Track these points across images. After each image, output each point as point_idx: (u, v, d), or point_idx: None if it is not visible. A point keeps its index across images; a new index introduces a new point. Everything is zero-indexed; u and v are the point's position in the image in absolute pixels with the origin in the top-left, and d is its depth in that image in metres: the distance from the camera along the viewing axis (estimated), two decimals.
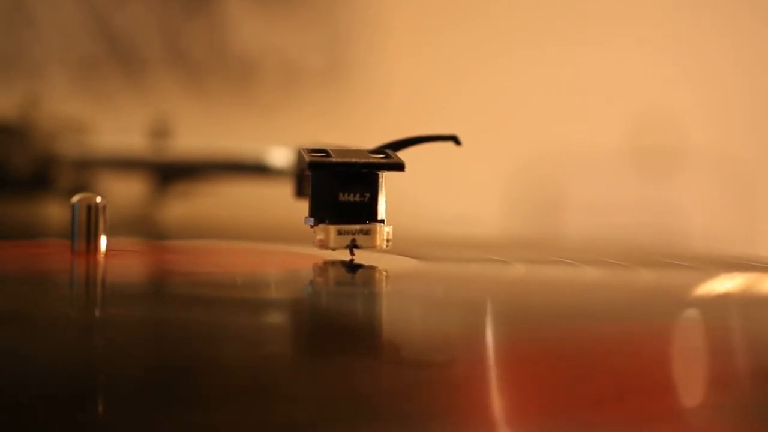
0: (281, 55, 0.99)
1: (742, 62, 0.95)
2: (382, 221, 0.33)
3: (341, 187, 0.32)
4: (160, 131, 0.62)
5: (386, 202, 0.33)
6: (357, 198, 0.32)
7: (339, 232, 0.32)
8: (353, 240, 0.32)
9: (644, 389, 0.20)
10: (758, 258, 0.41)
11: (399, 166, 0.32)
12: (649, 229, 0.90)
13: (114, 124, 0.69)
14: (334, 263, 0.34)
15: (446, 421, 0.18)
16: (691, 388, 0.21)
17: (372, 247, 0.32)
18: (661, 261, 0.41)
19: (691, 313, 0.28)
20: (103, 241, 0.33)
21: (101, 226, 0.33)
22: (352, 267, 0.33)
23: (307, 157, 0.32)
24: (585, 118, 0.94)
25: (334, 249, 0.32)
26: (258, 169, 0.60)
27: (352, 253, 0.33)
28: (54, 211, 0.60)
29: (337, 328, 0.25)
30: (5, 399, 0.18)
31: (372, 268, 0.34)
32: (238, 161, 0.61)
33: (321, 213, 0.32)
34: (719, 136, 0.95)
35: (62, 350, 0.22)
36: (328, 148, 0.32)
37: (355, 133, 0.48)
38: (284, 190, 0.44)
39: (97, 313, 0.27)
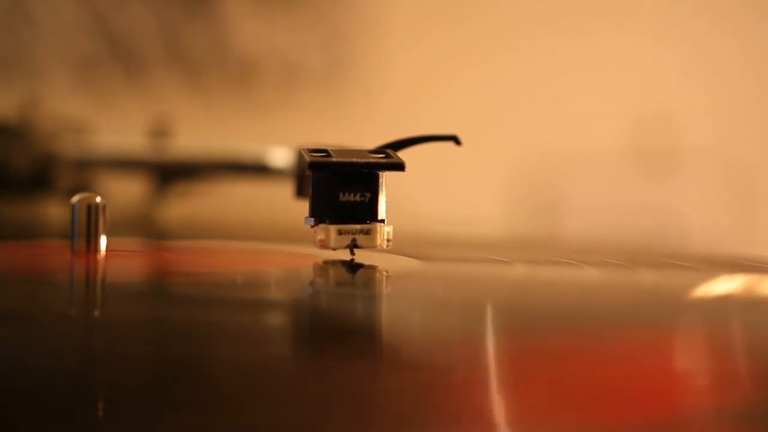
0: (281, 55, 0.99)
1: (743, 62, 0.95)
2: (383, 221, 0.33)
3: (341, 187, 0.32)
4: (160, 131, 0.62)
5: (386, 202, 0.33)
6: (357, 198, 0.32)
7: (339, 232, 0.32)
8: (353, 240, 0.32)
9: (645, 390, 0.20)
10: (758, 258, 0.41)
11: (399, 166, 0.32)
12: (650, 230, 0.90)
13: (114, 124, 0.69)
14: (334, 263, 0.34)
15: (446, 423, 0.18)
16: (692, 389, 0.21)
17: (372, 247, 0.32)
18: (662, 261, 0.41)
19: (692, 314, 0.28)
20: (103, 241, 0.33)
21: (101, 226, 0.33)
22: (352, 267, 0.33)
23: (307, 157, 0.32)
24: (586, 118, 0.94)
25: (334, 249, 0.32)
26: (258, 169, 0.60)
27: (352, 253, 0.33)
28: (54, 211, 0.60)
29: (338, 328, 0.25)
30: (5, 399, 0.18)
31: (372, 268, 0.34)
32: (238, 161, 0.61)
33: (321, 213, 0.32)
34: (719, 136, 0.95)
35: (62, 350, 0.22)
36: (328, 148, 0.32)
37: (355, 133, 0.48)
38: (284, 190, 0.44)
39: (97, 313, 0.27)
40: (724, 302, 0.31)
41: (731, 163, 0.94)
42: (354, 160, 0.32)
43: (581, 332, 0.25)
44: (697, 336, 0.25)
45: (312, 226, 0.32)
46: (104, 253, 0.33)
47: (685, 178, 0.93)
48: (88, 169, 0.63)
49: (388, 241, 0.33)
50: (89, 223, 0.33)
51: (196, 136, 0.64)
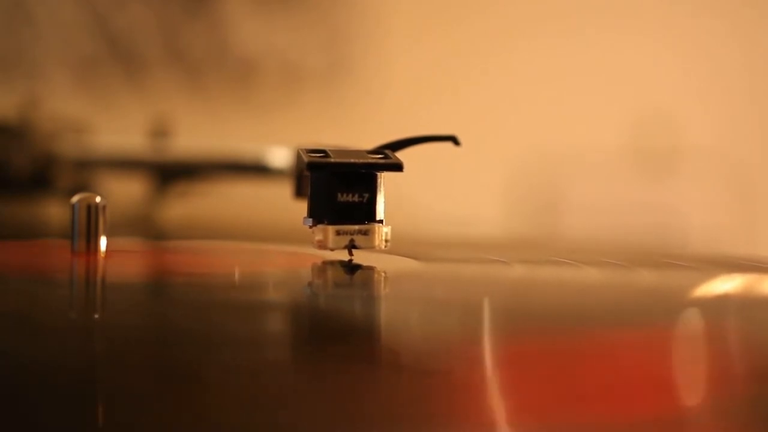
0: (281, 55, 0.99)
1: (743, 62, 0.95)
2: (381, 221, 0.33)
3: (340, 188, 0.32)
4: (160, 131, 0.62)
5: (385, 202, 0.33)
6: (356, 198, 0.32)
7: (338, 233, 0.32)
8: (352, 240, 0.32)
9: (645, 390, 0.20)
10: (758, 258, 0.41)
11: (398, 167, 0.32)
12: (650, 230, 0.90)
13: (114, 124, 0.69)
14: (332, 264, 0.34)
15: (446, 423, 0.18)
16: (691, 388, 0.21)
17: (371, 247, 0.32)
18: (661, 261, 0.41)
19: (691, 313, 0.28)
20: (103, 241, 0.33)
21: (101, 226, 0.33)
22: (350, 267, 0.33)
23: (306, 158, 0.32)
24: (586, 118, 0.94)
25: (332, 249, 0.32)
26: (257, 169, 0.60)
27: (350, 254, 0.33)
28: (54, 211, 0.60)
29: (336, 329, 0.25)
30: (5, 399, 0.18)
31: (371, 268, 0.34)
32: (238, 161, 0.61)
33: (320, 213, 0.32)
34: (719, 136, 0.95)
35: (62, 351, 0.22)
36: (327, 148, 0.33)
37: (355, 133, 0.48)
38: (283, 191, 0.44)
39: (97, 313, 0.27)
40: (724, 302, 0.31)
41: (731, 163, 0.94)
42: (352, 160, 0.32)
43: (581, 332, 0.25)
44: (697, 336, 0.25)
45: (310, 227, 0.32)
46: (104, 253, 0.33)
47: (685, 178, 0.93)
48: (88, 169, 0.63)
49: (386, 241, 0.33)
50: (89, 223, 0.33)
51: (196, 136, 0.64)
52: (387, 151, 0.33)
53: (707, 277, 0.36)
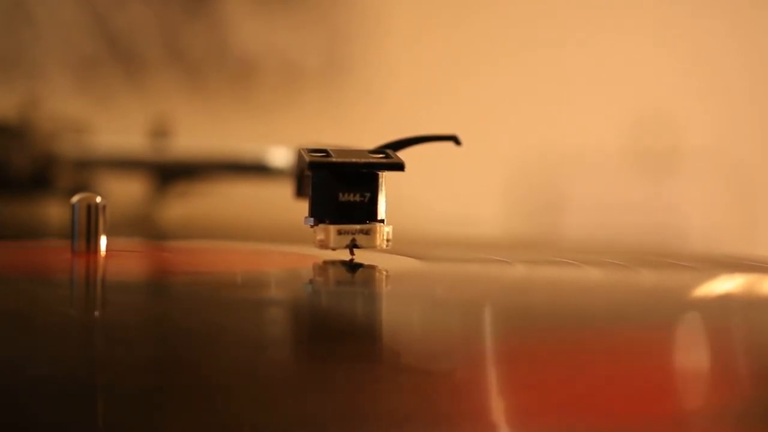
0: (281, 55, 0.99)
1: (743, 62, 0.95)
2: (382, 221, 0.33)
3: (341, 187, 0.32)
4: (160, 131, 0.62)
5: (386, 201, 0.33)
6: (357, 198, 0.32)
7: (339, 232, 0.32)
8: (353, 240, 0.32)
9: (644, 390, 0.20)
10: (758, 258, 0.41)
11: (399, 166, 0.32)
12: (650, 229, 0.90)
13: (114, 124, 0.69)
14: (334, 263, 0.34)
15: (446, 423, 0.18)
16: (692, 388, 0.21)
17: (372, 247, 0.32)
18: (661, 261, 0.41)
19: (692, 313, 0.28)
20: (103, 241, 0.33)
21: (101, 226, 0.33)
22: (352, 267, 0.33)
23: (307, 157, 0.32)
24: (586, 118, 0.94)
25: (334, 249, 0.32)
26: (258, 169, 0.60)
27: (352, 253, 0.33)
28: (54, 211, 0.60)
29: (337, 328, 0.25)
30: (5, 399, 0.18)
31: (372, 267, 0.34)
32: (238, 161, 0.61)
33: (321, 213, 0.32)
34: (719, 136, 0.95)
35: (62, 350, 0.22)
36: (328, 148, 0.33)
37: (355, 133, 0.48)
38: (284, 190, 0.44)
39: (97, 313, 0.27)
40: (724, 302, 0.31)
41: (731, 163, 0.94)
42: (354, 160, 0.32)
43: (581, 332, 0.25)
44: (697, 336, 0.25)
45: (312, 226, 0.32)
46: (104, 253, 0.33)
47: (685, 178, 0.93)
48: (88, 169, 0.63)
49: (387, 241, 0.33)
50: (89, 223, 0.33)
51: (196, 136, 0.64)
52: (388, 151, 0.33)
53: (707, 277, 0.36)
